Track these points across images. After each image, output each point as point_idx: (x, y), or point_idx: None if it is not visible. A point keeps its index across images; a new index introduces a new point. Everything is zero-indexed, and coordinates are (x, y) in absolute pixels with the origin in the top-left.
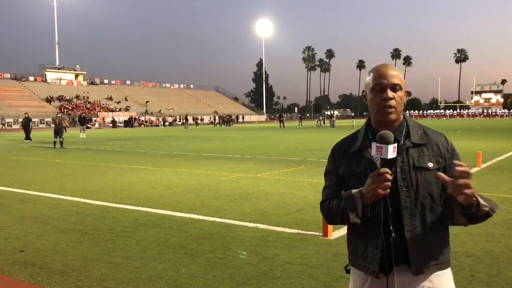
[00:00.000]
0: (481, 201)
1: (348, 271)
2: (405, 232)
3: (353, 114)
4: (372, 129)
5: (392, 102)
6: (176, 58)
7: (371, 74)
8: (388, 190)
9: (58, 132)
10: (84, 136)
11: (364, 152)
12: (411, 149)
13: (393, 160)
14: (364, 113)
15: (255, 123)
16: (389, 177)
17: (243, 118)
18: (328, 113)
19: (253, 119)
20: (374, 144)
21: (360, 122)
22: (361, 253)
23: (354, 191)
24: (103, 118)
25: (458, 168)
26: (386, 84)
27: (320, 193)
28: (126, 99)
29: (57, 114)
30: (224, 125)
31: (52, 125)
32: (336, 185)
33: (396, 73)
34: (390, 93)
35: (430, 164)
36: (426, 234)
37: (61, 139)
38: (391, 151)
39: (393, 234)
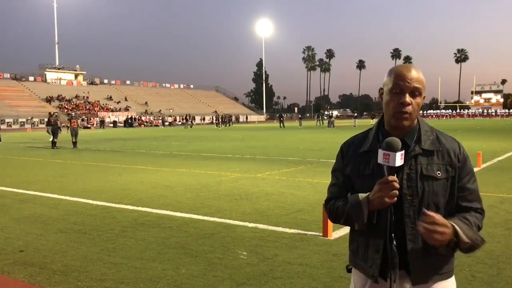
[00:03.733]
0: (463, 237)
1: (349, 271)
2: (406, 241)
3: (355, 114)
4: (384, 131)
5: (409, 108)
6: (176, 58)
7: (392, 74)
8: (395, 199)
9: (54, 132)
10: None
11: (373, 154)
12: (420, 156)
13: (401, 166)
14: (364, 113)
15: (255, 123)
16: (397, 185)
17: (246, 118)
18: (327, 113)
19: (253, 119)
20: (381, 152)
21: (361, 123)
22: (362, 255)
23: (361, 196)
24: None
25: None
26: (406, 87)
27: (320, 193)
28: (126, 99)
29: (52, 114)
30: (223, 125)
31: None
32: (343, 184)
33: (418, 76)
34: (408, 98)
35: (439, 173)
36: (428, 244)
37: (55, 140)
38: (399, 159)
39: (394, 242)
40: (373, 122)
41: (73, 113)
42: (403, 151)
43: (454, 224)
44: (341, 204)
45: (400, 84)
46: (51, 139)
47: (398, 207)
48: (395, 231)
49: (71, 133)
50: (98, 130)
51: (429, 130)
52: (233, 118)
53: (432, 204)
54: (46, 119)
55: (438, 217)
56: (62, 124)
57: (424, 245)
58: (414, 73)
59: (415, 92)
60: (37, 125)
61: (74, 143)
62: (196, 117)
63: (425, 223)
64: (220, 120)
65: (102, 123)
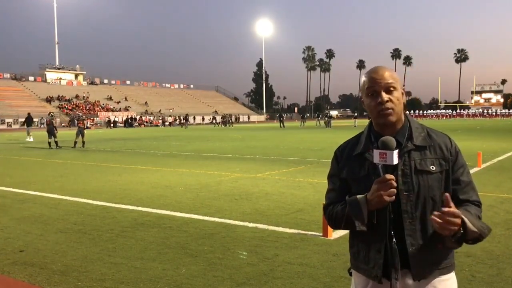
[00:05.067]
0: (470, 226)
1: (351, 274)
2: (405, 237)
3: (356, 114)
4: (375, 132)
5: (389, 105)
6: (176, 58)
7: (364, 78)
8: (394, 197)
9: (50, 132)
10: (31, 139)
11: (367, 156)
12: (413, 152)
13: (395, 164)
14: (364, 113)
15: (255, 123)
16: (395, 183)
17: (248, 118)
18: (326, 112)
19: (253, 119)
20: (376, 151)
21: (361, 123)
22: (363, 257)
23: (359, 197)
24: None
25: (444, 209)
26: (379, 86)
27: (320, 193)
28: (126, 99)
29: (48, 114)
30: (223, 125)
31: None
32: (340, 188)
33: (388, 74)
34: (385, 96)
35: (433, 167)
36: (427, 238)
37: (55, 140)
38: (396, 157)
39: (394, 239)
40: None
41: (80, 114)
42: (397, 149)
43: (461, 215)
44: (340, 208)
45: (372, 87)
46: (28, 139)
47: (395, 204)
48: (394, 229)
49: (77, 133)
50: (106, 130)
51: (419, 127)
52: (233, 118)
53: (428, 198)
54: (23, 119)
55: (454, 208)
56: (62, 124)
57: (423, 239)
58: (383, 72)
59: (389, 88)
60: (37, 125)
61: (82, 143)
62: (196, 117)
63: (443, 214)
64: (228, 120)
65: (109, 123)
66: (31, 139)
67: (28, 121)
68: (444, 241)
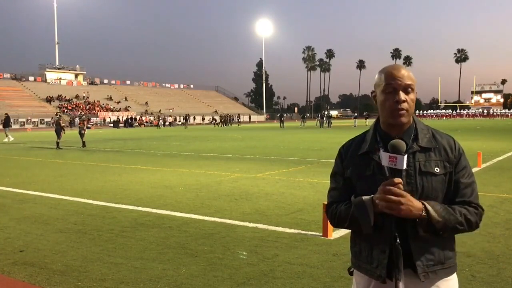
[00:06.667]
0: (434, 214)
1: (351, 273)
2: (409, 237)
3: (356, 114)
4: (381, 131)
5: (405, 105)
6: (176, 58)
7: (382, 74)
8: None
9: (56, 132)
10: (7, 140)
11: (373, 155)
12: (418, 153)
13: None
14: (364, 113)
15: (255, 123)
16: (402, 186)
17: (249, 118)
18: (326, 113)
19: (253, 119)
20: (386, 154)
21: (361, 122)
22: (366, 257)
23: (365, 198)
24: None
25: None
26: (399, 85)
27: (320, 193)
28: (126, 99)
29: (56, 114)
30: (224, 125)
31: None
32: (343, 187)
33: (408, 74)
34: (402, 96)
35: (437, 169)
36: (430, 238)
37: (57, 141)
38: (405, 161)
39: (398, 240)
40: (367, 122)
41: (82, 114)
42: (407, 154)
43: (423, 202)
44: (344, 208)
45: (392, 84)
46: (6, 140)
47: None
48: (398, 229)
49: (79, 133)
50: (107, 130)
51: (425, 129)
52: (236, 118)
53: (432, 199)
54: (2, 120)
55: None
56: (63, 124)
57: (426, 240)
58: (404, 71)
59: (407, 89)
60: (37, 125)
61: (82, 143)
62: (196, 117)
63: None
64: (232, 119)
65: (116, 123)
66: (7, 140)
67: (6, 122)
68: (417, 228)
